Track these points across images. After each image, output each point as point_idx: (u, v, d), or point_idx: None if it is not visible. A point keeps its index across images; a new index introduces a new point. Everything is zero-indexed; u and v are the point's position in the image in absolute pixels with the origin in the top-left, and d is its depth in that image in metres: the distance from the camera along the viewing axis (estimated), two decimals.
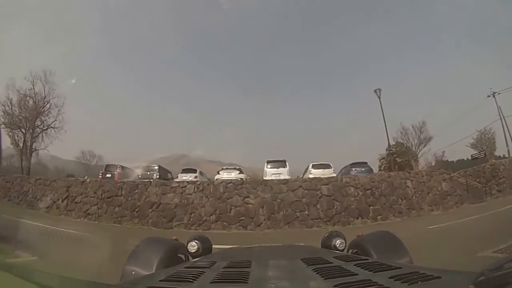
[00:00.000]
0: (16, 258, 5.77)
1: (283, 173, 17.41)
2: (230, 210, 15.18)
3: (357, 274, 0.88)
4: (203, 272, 0.98)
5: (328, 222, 14.64)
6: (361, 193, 15.70)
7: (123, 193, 16.07)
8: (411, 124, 34.78)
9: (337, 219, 14.80)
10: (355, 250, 1.60)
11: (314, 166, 18.90)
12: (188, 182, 16.79)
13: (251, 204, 15.28)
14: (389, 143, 23.29)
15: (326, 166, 18.79)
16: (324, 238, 1.89)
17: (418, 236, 8.55)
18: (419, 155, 33.26)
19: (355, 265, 1.02)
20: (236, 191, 15.74)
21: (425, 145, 33.66)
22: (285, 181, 16.17)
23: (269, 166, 18.25)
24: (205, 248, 1.75)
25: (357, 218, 14.91)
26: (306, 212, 14.96)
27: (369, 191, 15.84)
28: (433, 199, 16.79)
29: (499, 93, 28.02)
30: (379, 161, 33.60)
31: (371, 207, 15.40)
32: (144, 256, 1.44)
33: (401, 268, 0.95)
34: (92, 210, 15.70)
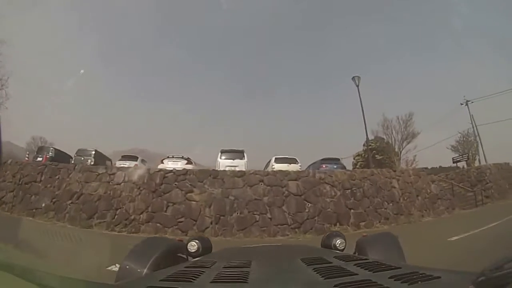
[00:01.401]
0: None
1: (239, 166, 13.70)
2: (167, 208, 11.27)
3: (357, 274, 0.87)
4: (203, 271, 0.98)
5: (297, 230, 10.99)
6: (339, 193, 12.30)
7: (42, 178, 12.56)
8: (396, 116, 29.12)
9: (309, 226, 11.21)
10: (359, 250, 1.59)
11: (277, 160, 15.45)
12: (118, 168, 13.04)
13: (194, 201, 11.37)
14: (367, 137, 19.59)
15: (291, 161, 15.39)
16: (324, 238, 1.85)
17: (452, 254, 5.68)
18: (402, 153, 28.00)
19: (355, 265, 1.01)
20: (176, 183, 11.71)
21: (409, 142, 28.11)
22: (241, 174, 12.33)
23: (223, 157, 14.57)
24: (205, 248, 1.68)
25: (335, 224, 11.40)
26: (269, 215, 11.24)
27: (349, 190, 12.50)
28: (422, 203, 14.13)
29: (472, 102, 27.01)
30: (354, 158, 28.31)
31: (352, 210, 11.99)
32: (143, 256, 1.41)
33: (401, 268, 0.93)
34: (8, 197, 12.27)
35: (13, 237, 6.56)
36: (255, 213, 11.13)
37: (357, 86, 17.20)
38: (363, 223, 11.65)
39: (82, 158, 16.86)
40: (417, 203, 13.92)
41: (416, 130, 27.59)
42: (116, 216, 11.05)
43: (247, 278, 0.87)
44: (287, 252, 1.89)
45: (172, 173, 12.07)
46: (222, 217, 10.88)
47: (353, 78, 17.96)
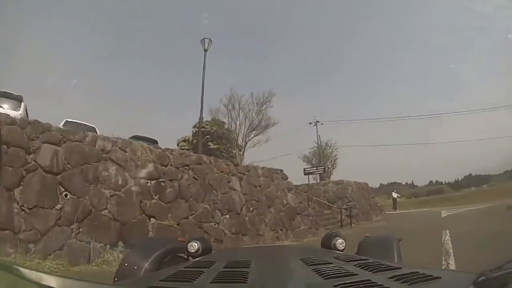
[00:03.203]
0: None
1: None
2: None
3: (357, 274, 0.85)
4: (203, 272, 0.96)
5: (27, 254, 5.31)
6: (133, 182, 6.98)
7: None
8: (251, 92, 21.01)
9: (56, 244, 5.60)
10: (360, 251, 1.64)
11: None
12: None
13: None
14: (201, 116, 13.32)
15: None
16: (324, 238, 1.80)
17: None
18: (247, 147, 19.90)
19: (355, 265, 0.99)
20: None
21: (258, 134, 20.15)
22: None
23: None
24: (205, 249, 1.61)
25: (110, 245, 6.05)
26: None
27: (154, 182, 7.32)
28: (277, 218, 10.35)
29: (322, 123, 26.25)
30: (178, 144, 18.98)
31: (152, 219, 6.90)
32: (143, 256, 1.43)
33: (401, 268, 0.92)
34: None
35: None
36: None
37: (205, 51, 13.24)
38: None
39: None
40: (269, 217, 10.04)
41: (272, 119, 20.45)
42: None
43: (247, 278, 0.86)
44: (287, 252, 1.85)
45: None
46: None
47: (202, 41, 13.71)
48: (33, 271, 0.71)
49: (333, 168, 24.56)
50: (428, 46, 63.68)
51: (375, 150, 54.19)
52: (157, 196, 7.19)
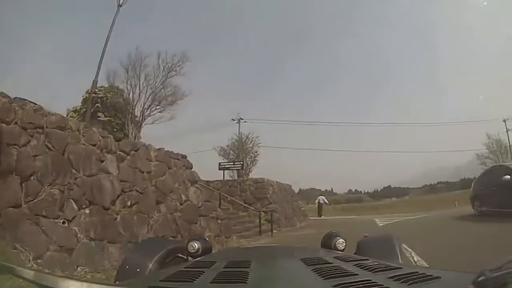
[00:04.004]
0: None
1: None
2: None
3: (357, 274, 0.84)
4: (203, 272, 0.95)
5: None
6: None
7: None
8: (157, 51, 15.40)
9: None
10: (359, 250, 1.59)
11: None
12: None
13: None
14: (95, 81, 10.91)
15: None
16: (324, 238, 1.77)
17: None
18: (145, 123, 14.44)
19: (355, 265, 0.98)
20: None
21: (162, 110, 14.78)
22: None
23: None
24: (205, 249, 1.61)
25: None
26: None
27: None
28: (169, 220, 8.07)
29: (245, 121, 24.89)
30: (67, 115, 12.05)
31: None
32: (143, 256, 1.44)
33: (401, 268, 0.91)
34: None
35: None
36: None
37: (119, 5, 10.60)
38: None
39: None
40: (156, 218, 7.56)
41: (182, 92, 15.29)
42: None
43: (246, 278, 0.85)
44: (287, 252, 1.82)
45: None
46: None
47: None
48: (33, 271, 0.72)
49: (253, 165, 22.01)
50: None
51: (297, 153, 54.89)
52: None
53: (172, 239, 2.47)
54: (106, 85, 14.28)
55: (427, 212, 17.95)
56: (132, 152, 7.81)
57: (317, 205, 25.77)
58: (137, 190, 7.35)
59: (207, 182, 14.18)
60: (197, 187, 9.54)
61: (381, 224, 13.37)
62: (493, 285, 0.58)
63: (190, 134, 45.18)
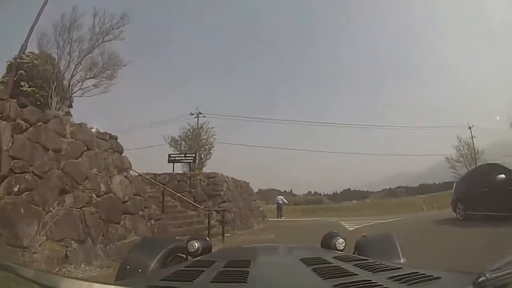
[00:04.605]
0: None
1: None
2: None
3: (357, 274, 0.85)
4: (203, 271, 0.95)
5: None
6: None
7: None
8: (93, 9, 12.15)
9: None
10: (358, 250, 1.59)
11: None
12: None
13: None
14: (24, 45, 8.83)
15: None
16: (324, 238, 1.77)
17: None
18: (71, 96, 11.27)
19: (354, 265, 0.98)
20: None
21: (98, 82, 11.79)
22: None
23: None
24: (205, 248, 1.61)
25: None
26: None
27: None
28: (75, 217, 6.02)
29: (204, 116, 22.93)
30: None
31: None
32: (143, 256, 1.43)
33: (401, 268, 0.91)
34: None
35: None
36: None
37: None
38: None
39: None
40: (54, 213, 5.62)
41: (119, 61, 12.24)
42: None
43: (246, 278, 0.85)
44: (287, 252, 1.82)
45: None
46: None
47: None
48: (33, 270, 0.70)
49: (207, 159, 20.07)
50: None
51: (256, 151, 53.23)
52: None
53: (172, 239, 2.08)
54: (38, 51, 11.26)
55: (396, 216, 17.39)
56: (40, 123, 5.92)
57: (276, 205, 24.55)
58: (33, 173, 5.40)
59: (154, 175, 13.75)
60: (124, 176, 7.44)
61: (351, 229, 11.86)
62: (493, 286, 0.58)
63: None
